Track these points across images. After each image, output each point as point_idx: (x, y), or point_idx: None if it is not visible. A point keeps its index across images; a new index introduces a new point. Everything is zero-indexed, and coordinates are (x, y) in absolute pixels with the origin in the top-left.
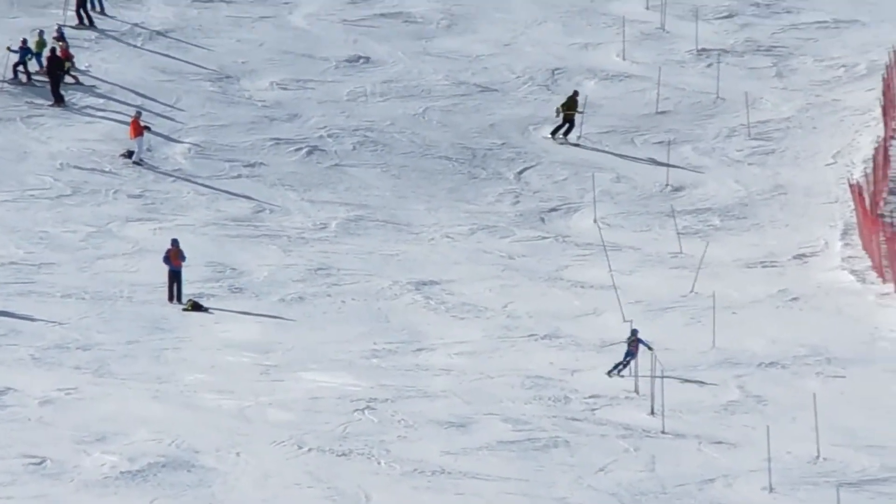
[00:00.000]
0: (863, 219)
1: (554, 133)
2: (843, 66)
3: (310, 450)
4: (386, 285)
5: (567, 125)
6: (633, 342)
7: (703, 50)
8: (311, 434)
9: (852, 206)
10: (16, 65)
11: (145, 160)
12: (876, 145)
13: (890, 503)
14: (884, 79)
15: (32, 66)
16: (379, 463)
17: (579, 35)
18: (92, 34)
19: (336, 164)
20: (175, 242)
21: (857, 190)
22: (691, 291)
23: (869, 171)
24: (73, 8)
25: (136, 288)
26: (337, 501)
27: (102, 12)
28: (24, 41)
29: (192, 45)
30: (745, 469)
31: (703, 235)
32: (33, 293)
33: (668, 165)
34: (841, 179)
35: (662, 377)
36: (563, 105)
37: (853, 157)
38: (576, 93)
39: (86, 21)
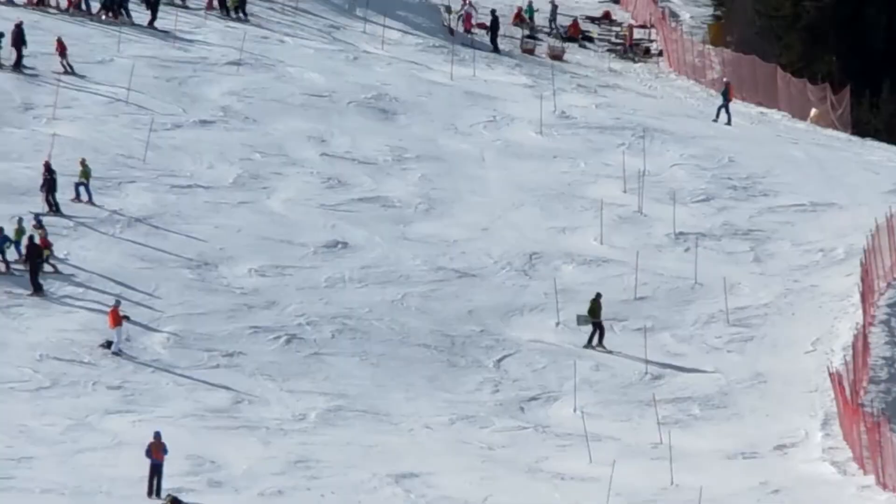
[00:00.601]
0: (843, 408)
1: (588, 345)
2: (821, 250)
3: None
4: (365, 478)
5: (598, 331)
6: None
7: (681, 234)
8: None
9: (832, 395)
10: None
11: (124, 350)
12: (855, 332)
13: None
14: (862, 263)
15: (11, 254)
16: None
17: (557, 219)
18: (70, 221)
19: (315, 353)
20: (157, 435)
21: (836, 378)
22: (672, 484)
23: (849, 358)
24: (46, 195)
25: (115, 482)
26: None
27: (90, 201)
28: (2, 229)
29: (170, 231)
30: None
31: (682, 425)
32: (13, 489)
33: (646, 361)
34: (821, 367)
35: None
36: (588, 312)
37: (832, 345)
38: (598, 295)
39: (55, 207)
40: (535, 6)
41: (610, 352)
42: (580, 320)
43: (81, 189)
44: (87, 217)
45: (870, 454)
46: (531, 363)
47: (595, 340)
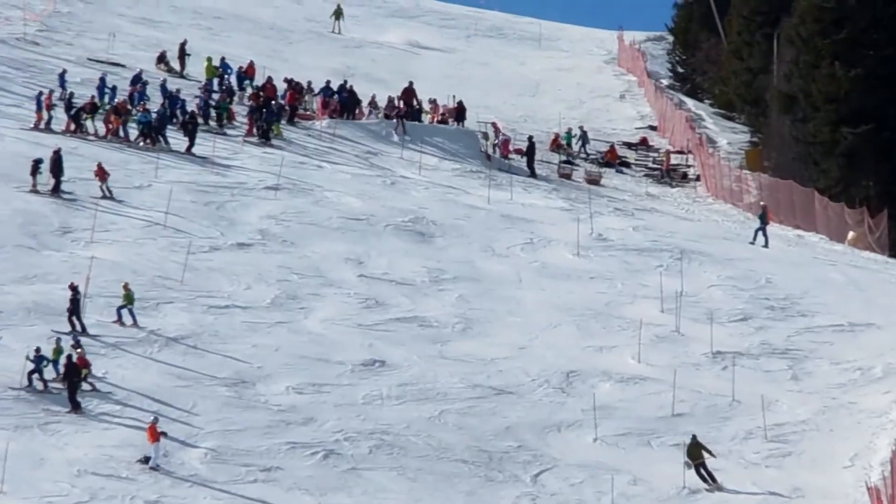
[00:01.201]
0: None
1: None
2: (859, 369)
3: None
4: None
5: (700, 467)
6: None
7: (719, 353)
8: None
9: None
10: (31, 372)
11: (162, 465)
12: (893, 448)
13: None
14: None
15: (49, 372)
16: None
17: (594, 338)
18: (109, 340)
19: (352, 468)
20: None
21: (875, 493)
22: None
23: (887, 473)
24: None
25: None
26: None
27: (135, 324)
28: (38, 349)
29: (207, 350)
30: None
31: None
32: None
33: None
34: (859, 482)
35: None
36: (688, 455)
37: (871, 460)
38: (694, 437)
39: (78, 326)
40: (573, 132)
41: (720, 488)
42: (687, 465)
43: (124, 312)
44: (125, 337)
45: None
46: (568, 478)
47: (706, 481)
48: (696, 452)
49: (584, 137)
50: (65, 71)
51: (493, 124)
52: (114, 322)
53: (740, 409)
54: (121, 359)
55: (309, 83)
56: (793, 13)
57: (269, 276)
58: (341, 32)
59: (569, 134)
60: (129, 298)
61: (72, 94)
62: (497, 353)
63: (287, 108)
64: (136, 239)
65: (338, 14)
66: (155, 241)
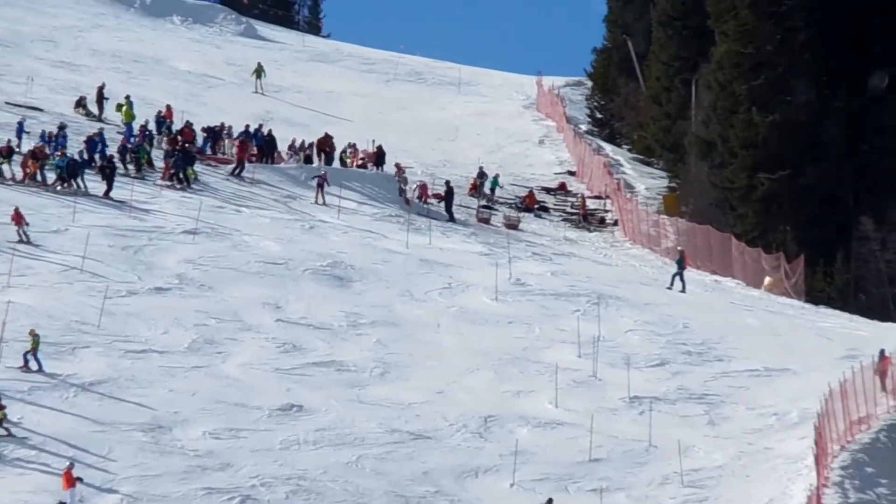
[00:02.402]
0: None
1: None
2: (775, 414)
3: None
4: None
5: None
6: None
7: (636, 398)
8: None
9: None
10: None
11: None
12: (808, 494)
13: None
14: (815, 427)
15: None
16: None
17: (512, 383)
18: (25, 385)
19: None
20: None
21: None
22: None
23: None
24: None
25: None
26: None
27: (40, 370)
28: None
29: (124, 395)
30: None
31: None
32: None
33: None
34: None
35: None
36: None
37: None
38: (550, 500)
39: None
40: (499, 181)
41: None
42: None
43: (30, 357)
44: (40, 382)
45: None
46: None
47: None
48: None
49: (492, 181)
50: None
51: (396, 165)
52: (20, 368)
53: (657, 454)
54: (36, 404)
55: (229, 126)
56: (711, 59)
57: (186, 320)
58: (263, 91)
59: (495, 180)
60: (36, 343)
61: None
62: (415, 397)
63: (238, 161)
64: (53, 283)
65: (258, 72)
66: (72, 286)
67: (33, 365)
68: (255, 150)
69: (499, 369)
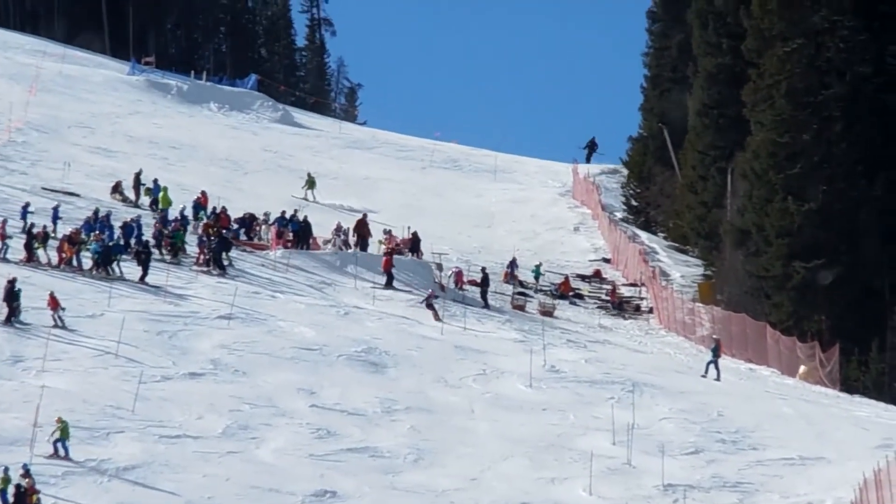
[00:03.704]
0: None
1: None
2: (810, 502)
3: None
4: None
5: None
6: None
7: (670, 485)
8: None
9: None
10: None
11: None
12: None
13: None
14: None
15: None
16: None
17: (546, 469)
18: (59, 470)
19: None
20: None
21: None
22: None
23: None
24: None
25: None
26: None
27: (67, 456)
28: None
29: (158, 480)
30: None
31: None
32: None
33: None
34: None
35: None
36: None
37: None
38: None
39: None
40: (541, 268)
41: None
42: None
43: (59, 445)
44: (74, 467)
45: None
46: None
47: None
48: None
49: (535, 269)
50: (28, 203)
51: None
52: (50, 456)
53: None
54: (70, 488)
55: (266, 214)
56: (746, 148)
57: (220, 405)
58: (316, 201)
59: (538, 269)
60: (64, 431)
61: (33, 225)
62: (449, 484)
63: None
64: (88, 368)
65: (311, 184)
66: (106, 371)
67: (61, 452)
68: (290, 237)
69: (533, 456)
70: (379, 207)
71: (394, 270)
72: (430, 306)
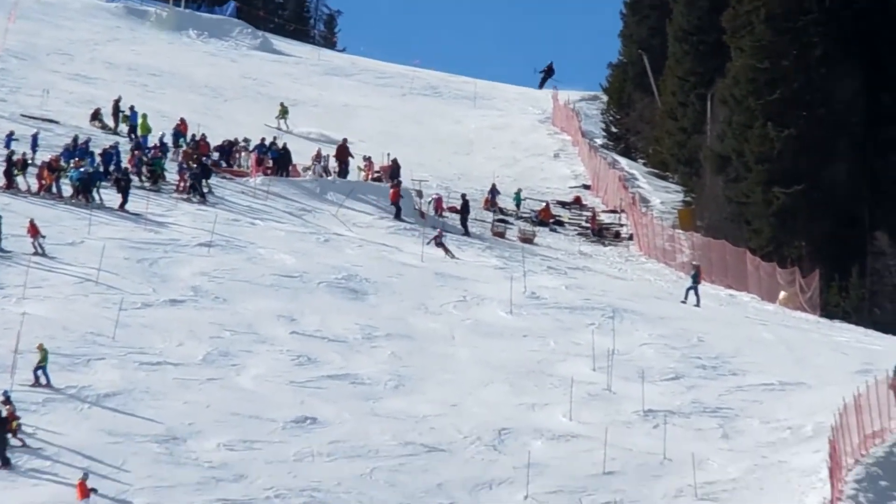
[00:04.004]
0: None
1: None
2: (790, 427)
3: None
4: None
5: None
6: None
7: (650, 411)
8: None
9: None
10: None
11: None
12: None
13: None
14: (830, 441)
15: None
16: None
17: (526, 395)
18: (39, 397)
19: None
20: None
21: None
22: None
23: None
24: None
25: None
26: None
27: (48, 384)
28: None
29: (138, 407)
30: None
31: None
32: None
33: None
34: None
35: None
36: None
37: None
38: None
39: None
40: (522, 196)
41: None
42: None
43: (39, 373)
44: (55, 393)
45: None
46: None
47: None
48: None
49: (515, 196)
50: (12, 132)
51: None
52: (31, 384)
53: (671, 468)
54: (51, 414)
55: (245, 141)
56: (726, 74)
57: (201, 332)
58: (289, 130)
59: (518, 195)
60: (45, 358)
61: (13, 152)
62: (429, 410)
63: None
64: (68, 295)
65: (283, 113)
66: (87, 298)
67: (42, 379)
68: (270, 164)
69: (513, 382)
70: (358, 135)
71: (401, 202)
72: (439, 244)
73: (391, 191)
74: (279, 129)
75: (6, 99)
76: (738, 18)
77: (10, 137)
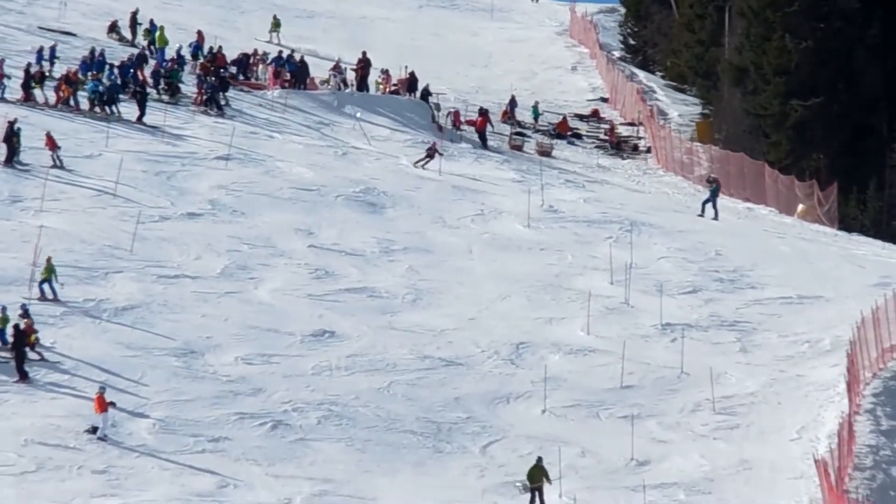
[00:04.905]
0: (828, 495)
1: None
2: (807, 341)
3: None
4: None
5: (536, 492)
6: None
7: (668, 325)
8: None
9: (818, 482)
10: None
11: (109, 436)
12: (840, 421)
13: None
14: (848, 354)
15: None
16: None
17: (544, 310)
18: (57, 310)
19: (300, 439)
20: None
21: (822, 466)
22: None
23: (834, 446)
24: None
25: None
26: None
27: (55, 298)
28: None
29: (157, 320)
30: None
31: None
32: None
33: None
34: (806, 455)
35: None
36: (528, 477)
37: (818, 433)
38: (540, 459)
39: (48, 296)
40: (539, 109)
41: None
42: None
43: (45, 287)
44: (73, 306)
45: None
46: (517, 449)
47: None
48: (537, 476)
49: (533, 109)
50: (42, 48)
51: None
52: (38, 299)
53: (689, 381)
54: (69, 328)
55: (263, 53)
56: None
57: (219, 245)
58: (280, 43)
59: (536, 108)
60: (49, 271)
61: (30, 65)
62: (447, 324)
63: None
64: (86, 208)
65: (276, 26)
66: (105, 211)
67: (49, 294)
68: (287, 76)
69: (531, 296)
70: (376, 46)
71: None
72: (430, 154)
73: (479, 119)
74: (271, 42)
75: (24, 11)
76: None
77: (40, 54)
